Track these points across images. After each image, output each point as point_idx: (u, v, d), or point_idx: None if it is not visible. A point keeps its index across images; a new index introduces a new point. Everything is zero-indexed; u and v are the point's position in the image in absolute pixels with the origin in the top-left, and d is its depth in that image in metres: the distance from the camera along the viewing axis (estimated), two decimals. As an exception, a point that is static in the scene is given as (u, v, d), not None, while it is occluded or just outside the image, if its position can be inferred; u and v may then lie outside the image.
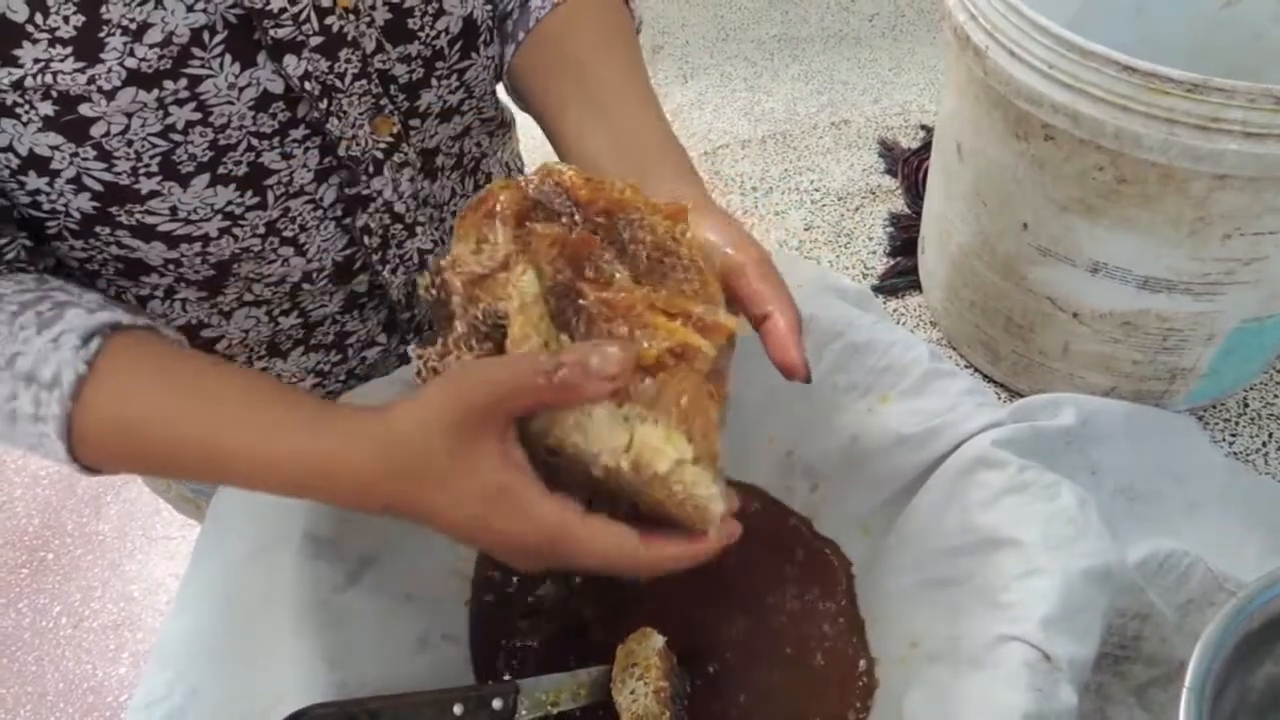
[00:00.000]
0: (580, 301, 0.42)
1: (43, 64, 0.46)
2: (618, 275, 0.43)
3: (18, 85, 0.46)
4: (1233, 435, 0.68)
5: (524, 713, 0.48)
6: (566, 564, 0.42)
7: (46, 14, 0.45)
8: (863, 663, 0.56)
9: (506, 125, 0.74)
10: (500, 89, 0.68)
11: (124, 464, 0.49)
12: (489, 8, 0.61)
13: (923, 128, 0.98)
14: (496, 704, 0.48)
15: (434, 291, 0.44)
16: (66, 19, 0.45)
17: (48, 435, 0.46)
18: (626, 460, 0.40)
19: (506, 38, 0.63)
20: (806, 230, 0.87)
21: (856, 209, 0.89)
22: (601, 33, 0.61)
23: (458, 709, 0.46)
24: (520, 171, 0.81)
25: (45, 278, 0.52)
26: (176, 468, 0.49)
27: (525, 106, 0.64)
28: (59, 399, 0.46)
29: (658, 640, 0.51)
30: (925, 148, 0.90)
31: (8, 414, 0.47)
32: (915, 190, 0.87)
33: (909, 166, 0.89)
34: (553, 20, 0.61)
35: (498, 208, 0.43)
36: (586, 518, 0.42)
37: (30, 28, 0.45)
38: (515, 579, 0.60)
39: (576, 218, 0.44)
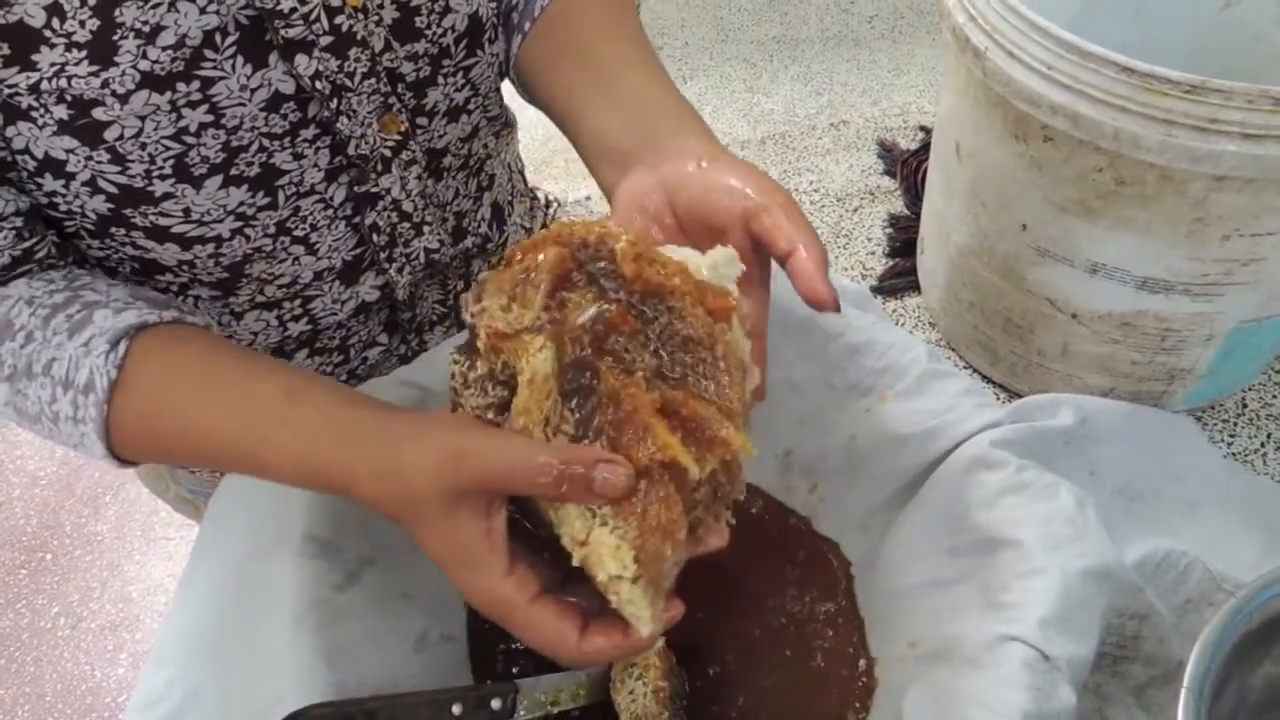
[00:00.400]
0: (593, 382, 0.41)
1: (58, 67, 0.46)
2: (639, 363, 0.42)
3: (34, 89, 0.47)
4: (1231, 436, 0.68)
5: (523, 713, 0.48)
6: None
7: (63, 19, 0.45)
8: (862, 663, 0.56)
9: (510, 126, 0.74)
10: (504, 87, 0.68)
11: (158, 457, 0.54)
12: (493, 5, 0.61)
13: (922, 129, 0.98)
14: (495, 704, 0.47)
15: (469, 319, 0.44)
16: (82, 23, 0.45)
17: (88, 435, 0.49)
18: (579, 553, 0.41)
19: (512, 30, 0.63)
20: (805, 231, 0.87)
21: (855, 210, 0.89)
22: (604, 15, 0.61)
23: (456, 709, 0.46)
24: (521, 174, 0.81)
25: (74, 273, 0.54)
26: (207, 461, 0.51)
27: (533, 98, 0.64)
28: (95, 403, 0.48)
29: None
30: (924, 149, 0.90)
31: (51, 415, 0.50)
32: (914, 191, 0.87)
33: (908, 168, 0.89)
34: (556, 7, 0.61)
35: (536, 271, 0.43)
36: (533, 604, 0.42)
37: (47, 32, 0.45)
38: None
39: (619, 292, 0.43)
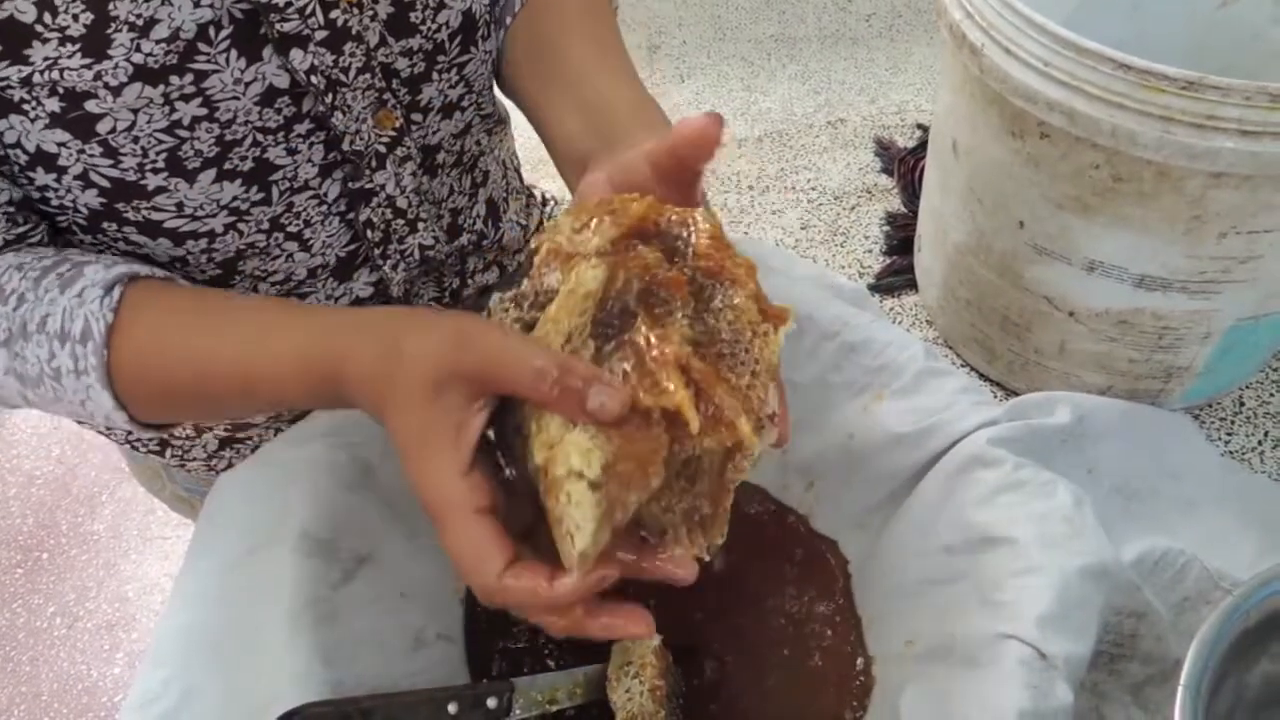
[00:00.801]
0: (625, 328, 0.41)
1: (51, 61, 0.46)
2: (676, 330, 0.41)
3: (26, 82, 0.46)
4: (1228, 434, 0.68)
5: (518, 711, 0.48)
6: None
7: (55, 13, 0.45)
8: (859, 661, 0.56)
9: (503, 122, 0.74)
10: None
11: (164, 401, 0.52)
12: (485, 2, 0.61)
13: (919, 127, 0.98)
14: (491, 703, 0.47)
15: (531, 245, 0.44)
16: (76, 17, 0.45)
17: (93, 386, 0.49)
18: (544, 455, 0.39)
19: (498, 24, 0.63)
20: (803, 229, 0.87)
21: (853, 208, 0.89)
22: (577, 13, 0.61)
23: (452, 708, 0.46)
24: (517, 171, 0.81)
25: (63, 248, 0.54)
26: (211, 393, 0.50)
27: (508, 92, 0.65)
28: (94, 350, 0.48)
29: (653, 639, 0.51)
30: (921, 147, 0.90)
31: (52, 373, 0.49)
32: (911, 189, 0.87)
33: (905, 165, 0.89)
34: (532, 5, 0.62)
35: (619, 213, 0.43)
36: (474, 515, 0.40)
37: (39, 27, 0.45)
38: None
39: (686, 264, 0.43)
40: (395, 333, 0.43)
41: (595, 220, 0.43)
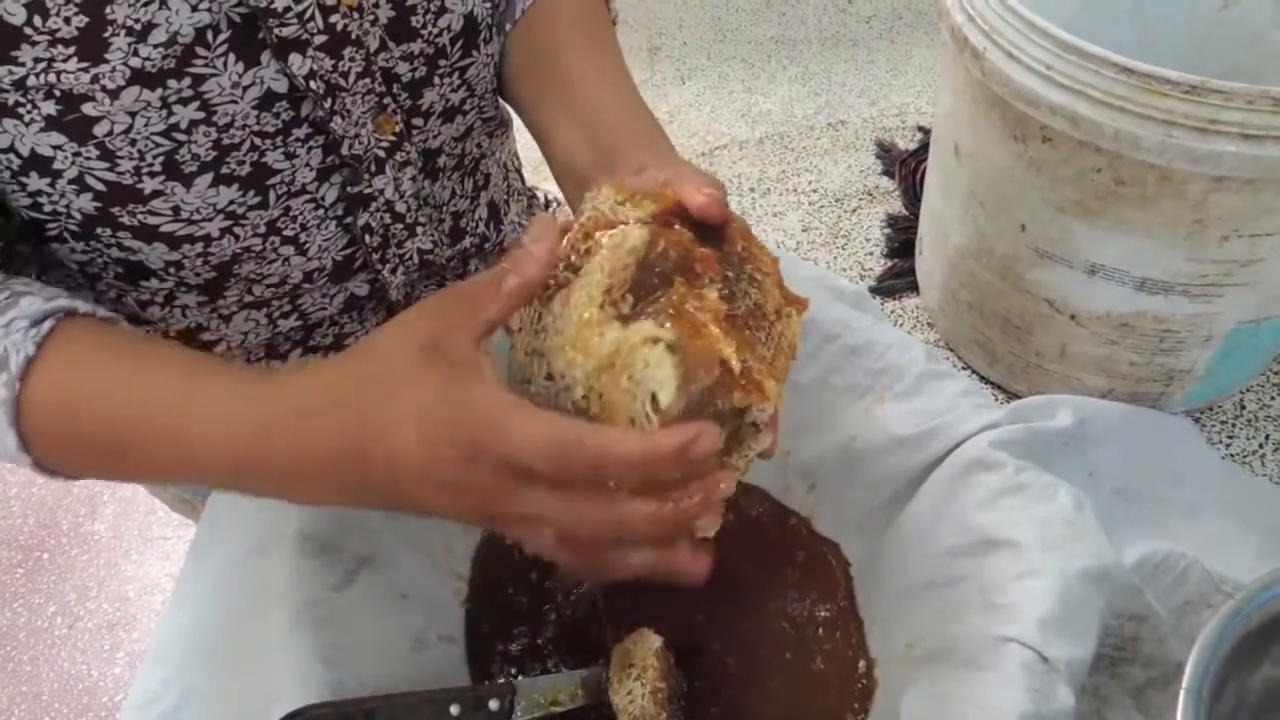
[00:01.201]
0: (664, 287, 0.42)
1: (45, 63, 0.46)
2: (710, 291, 0.43)
3: (19, 85, 0.46)
4: (1229, 437, 0.68)
5: (520, 714, 0.48)
6: (499, 470, 0.38)
7: (46, 16, 0.45)
8: (861, 664, 0.56)
9: (505, 125, 0.74)
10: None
11: (73, 448, 0.46)
12: (488, 5, 0.61)
13: (920, 129, 0.98)
14: (493, 704, 0.47)
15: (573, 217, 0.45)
16: (68, 20, 0.45)
17: None
18: (566, 357, 0.39)
19: (498, 30, 0.63)
20: (804, 231, 0.87)
21: (854, 210, 0.89)
22: (574, 23, 0.62)
23: (454, 709, 0.46)
24: (519, 173, 0.81)
25: (9, 277, 0.50)
26: (128, 447, 0.45)
27: (510, 101, 0.65)
28: (6, 381, 0.44)
29: (655, 641, 0.51)
30: (923, 149, 0.90)
31: None
32: (913, 192, 0.87)
33: (906, 168, 0.89)
34: (532, 13, 0.62)
35: (657, 196, 0.45)
36: (525, 404, 0.38)
37: (29, 30, 0.45)
38: (511, 593, 0.60)
39: (717, 246, 0.45)
40: (356, 346, 0.43)
41: (635, 196, 0.45)
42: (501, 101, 0.71)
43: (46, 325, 0.45)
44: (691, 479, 0.39)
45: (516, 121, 0.78)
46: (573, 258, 0.43)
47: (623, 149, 0.53)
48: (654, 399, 0.38)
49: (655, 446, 0.37)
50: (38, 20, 0.45)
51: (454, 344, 0.40)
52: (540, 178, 1.06)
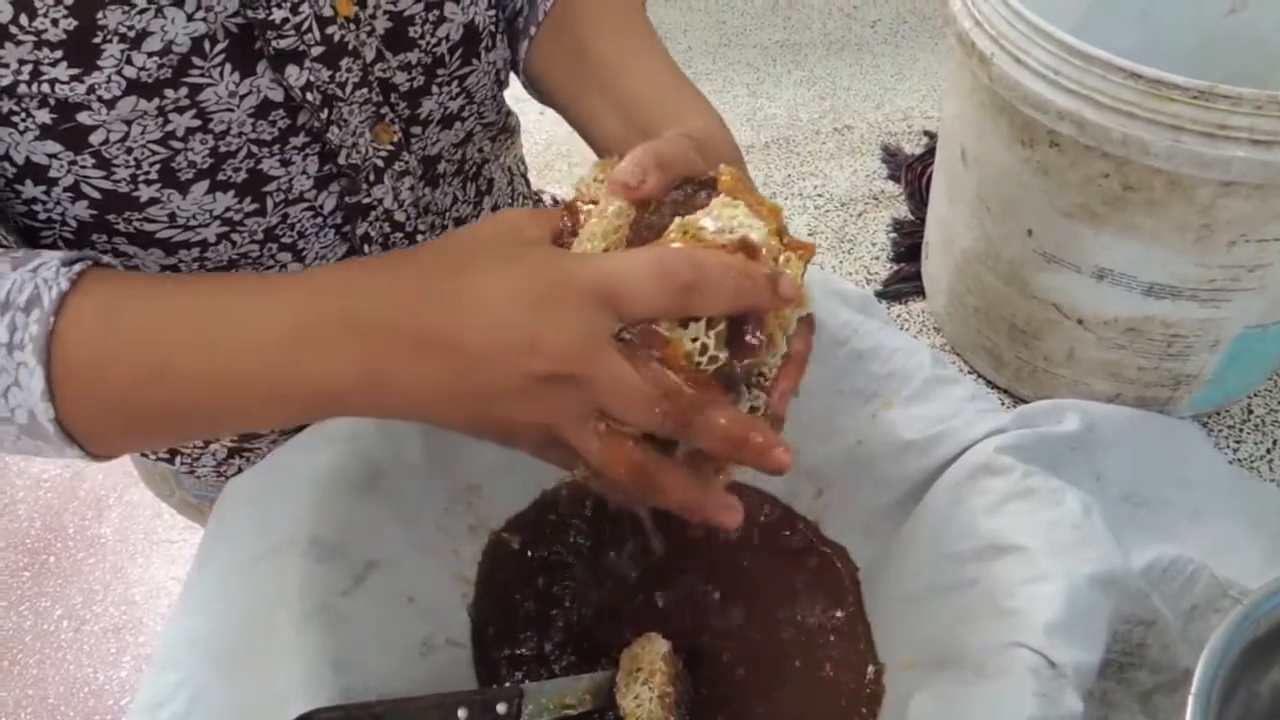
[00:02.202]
0: (661, 233, 0.42)
1: (31, 66, 0.45)
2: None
3: (11, 92, 0.45)
4: (1237, 442, 0.68)
5: (528, 717, 0.48)
6: (587, 306, 0.37)
7: (33, 15, 0.44)
8: (869, 670, 0.56)
9: (510, 131, 0.74)
10: (508, 94, 0.68)
11: (107, 390, 0.42)
12: (491, 13, 0.61)
13: (926, 133, 0.98)
14: (501, 708, 0.47)
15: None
16: (56, 22, 0.44)
17: (24, 364, 0.41)
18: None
19: (518, 35, 0.63)
20: (810, 236, 0.87)
21: (859, 215, 0.89)
22: (604, 11, 0.61)
23: (462, 713, 0.46)
24: (524, 177, 0.81)
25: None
26: (171, 370, 0.41)
27: (547, 101, 0.64)
28: (39, 319, 0.40)
29: (663, 645, 0.51)
30: (929, 153, 0.90)
31: None
32: (919, 196, 0.87)
33: (912, 172, 0.89)
34: (558, 10, 0.61)
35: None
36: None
37: (14, 28, 0.44)
38: (518, 597, 0.59)
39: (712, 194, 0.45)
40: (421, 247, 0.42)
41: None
42: (508, 107, 0.71)
43: (79, 265, 0.42)
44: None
45: (525, 125, 0.78)
46: (564, 237, 0.43)
47: (659, 128, 0.52)
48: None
49: (750, 268, 0.38)
50: (24, 19, 0.44)
51: (524, 228, 0.40)
52: (545, 182, 1.06)
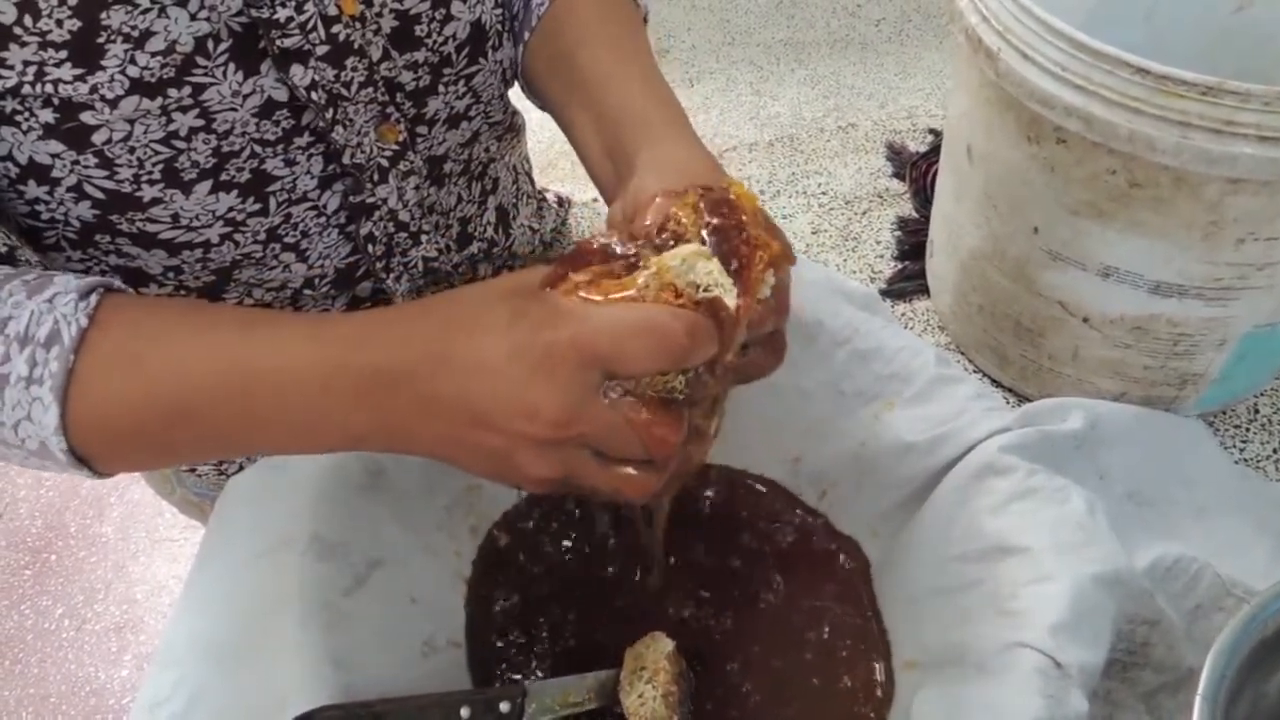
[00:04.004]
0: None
1: (35, 67, 0.45)
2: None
3: (15, 92, 0.45)
4: (1243, 442, 0.68)
5: (531, 716, 0.48)
6: (581, 364, 0.39)
7: (37, 16, 0.44)
8: (875, 669, 0.56)
9: (515, 130, 0.73)
10: (513, 93, 0.68)
11: (128, 427, 0.43)
12: (499, 11, 0.60)
13: (931, 131, 0.98)
14: (504, 707, 0.47)
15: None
16: (60, 22, 0.44)
17: (40, 400, 0.42)
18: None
19: (515, 39, 0.63)
20: (814, 234, 0.87)
21: (864, 213, 0.89)
22: (594, 21, 0.60)
23: (465, 712, 0.46)
24: (528, 175, 0.80)
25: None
26: (195, 411, 0.43)
27: (541, 106, 0.64)
28: (59, 355, 0.41)
29: (667, 644, 0.51)
30: (934, 151, 0.90)
31: None
32: (923, 194, 0.87)
33: (917, 170, 0.88)
34: (550, 16, 0.61)
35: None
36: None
37: (18, 29, 0.44)
38: (516, 597, 0.59)
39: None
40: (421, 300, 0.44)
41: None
42: (513, 106, 0.71)
43: (94, 298, 0.43)
44: None
45: (529, 123, 0.78)
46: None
47: (639, 150, 0.52)
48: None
49: (723, 336, 0.41)
50: (28, 20, 0.43)
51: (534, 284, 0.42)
52: (548, 180, 1.06)
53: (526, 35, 0.61)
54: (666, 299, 0.40)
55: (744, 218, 0.45)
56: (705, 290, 0.41)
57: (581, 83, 0.58)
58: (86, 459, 0.44)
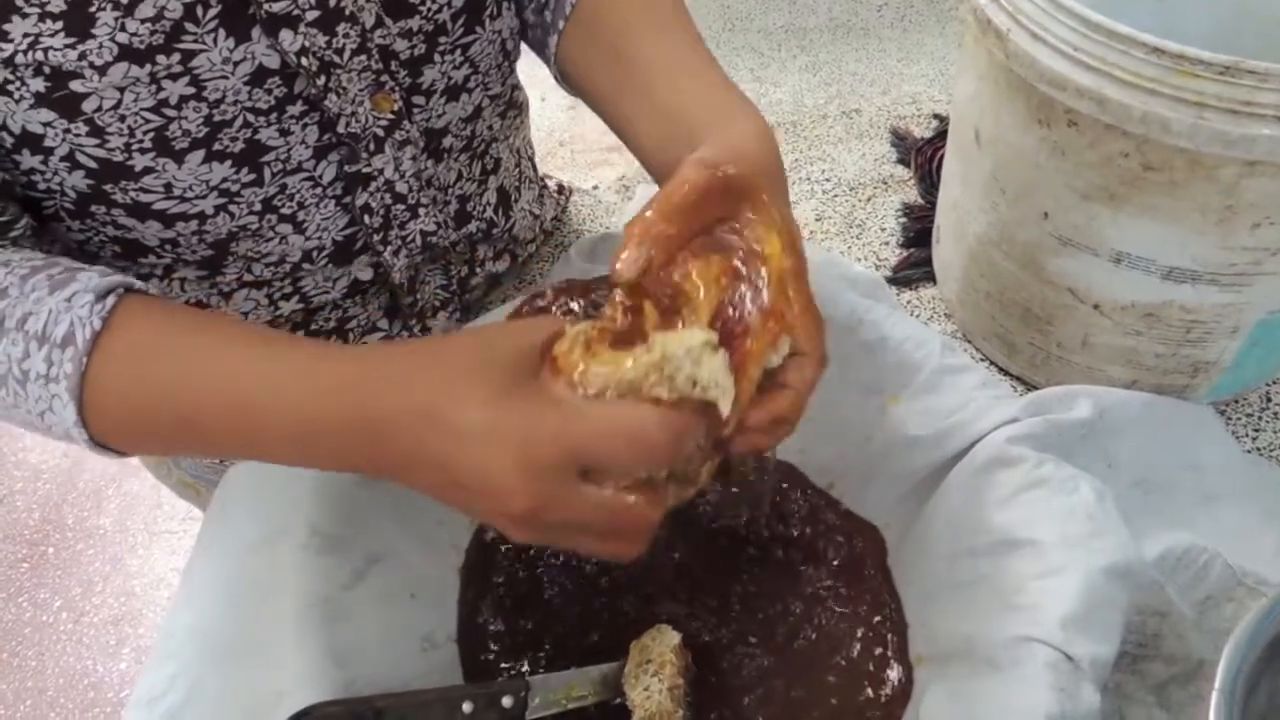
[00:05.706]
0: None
1: (32, 38, 0.45)
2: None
3: (9, 62, 0.46)
4: (1256, 430, 0.67)
5: (535, 710, 0.47)
6: (572, 469, 0.40)
7: None
8: (886, 665, 0.55)
9: (519, 108, 0.73)
10: (520, 70, 0.67)
11: (137, 428, 0.47)
12: None
13: (936, 116, 0.97)
14: (506, 701, 0.46)
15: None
16: None
17: (59, 396, 0.44)
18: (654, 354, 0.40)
19: (548, 28, 0.61)
20: (818, 221, 0.86)
21: (868, 199, 0.88)
22: (643, 14, 0.58)
23: (467, 706, 0.45)
24: (531, 160, 0.79)
25: (52, 255, 0.50)
26: (196, 424, 0.45)
27: (585, 100, 0.62)
28: (73, 356, 0.44)
29: (674, 637, 0.50)
30: (939, 136, 0.89)
31: (20, 375, 0.45)
32: (929, 180, 0.86)
33: (922, 155, 0.87)
34: (588, 7, 0.59)
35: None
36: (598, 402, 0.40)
37: (20, 2, 0.44)
38: (515, 592, 0.58)
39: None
40: (431, 344, 0.44)
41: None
42: (516, 82, 0.70)
43: (111, 300, 0.45)
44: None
45: (532, 107, 0.77)
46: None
47: (700, 136, 0.50)
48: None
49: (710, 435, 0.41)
50: None
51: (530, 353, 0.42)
52: (548, 169, 1.05)
53: (561, 24, 0.60)
54: (660, 394, 0.39)
55: (762, 283, 0.44)
56: (703, 390, 0.40)
57: (633, 76, 0.56)
58: (108, 446, 0.47)
